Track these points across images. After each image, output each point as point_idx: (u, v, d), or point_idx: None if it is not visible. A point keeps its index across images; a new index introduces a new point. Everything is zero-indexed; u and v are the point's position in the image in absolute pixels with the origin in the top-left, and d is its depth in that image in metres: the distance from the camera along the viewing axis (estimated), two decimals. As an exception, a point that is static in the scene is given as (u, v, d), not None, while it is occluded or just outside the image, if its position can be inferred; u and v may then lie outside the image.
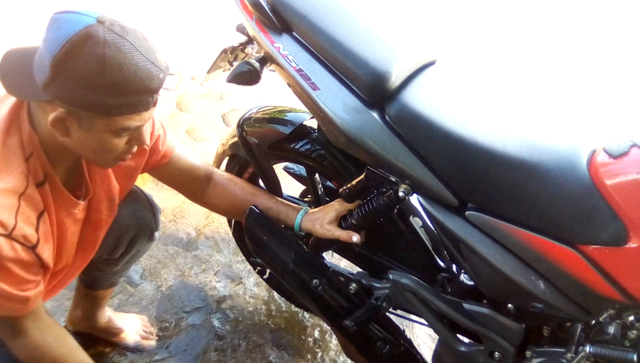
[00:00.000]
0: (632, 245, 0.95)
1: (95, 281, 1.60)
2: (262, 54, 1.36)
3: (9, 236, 0.95)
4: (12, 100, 1.03)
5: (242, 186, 1.47)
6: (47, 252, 1.06)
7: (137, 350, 1.74)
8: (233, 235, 1.95)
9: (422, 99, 1.16)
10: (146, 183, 2.41)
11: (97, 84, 0.91)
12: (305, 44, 1.26)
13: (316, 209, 1.38)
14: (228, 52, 1.50)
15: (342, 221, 1.33)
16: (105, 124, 0.97)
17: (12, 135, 1.00)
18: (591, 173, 0.99)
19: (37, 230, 1.02)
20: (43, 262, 1.05)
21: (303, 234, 1.39)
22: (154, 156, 1.31)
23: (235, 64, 1.47)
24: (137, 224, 1.46)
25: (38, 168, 1.03)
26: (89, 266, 1.53)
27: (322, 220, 1.33)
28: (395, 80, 1.17)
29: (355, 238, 1.28)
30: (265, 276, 1.97)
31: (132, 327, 1.76)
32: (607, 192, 0.96)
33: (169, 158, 1.36)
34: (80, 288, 1.64)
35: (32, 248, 1.01)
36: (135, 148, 1.10)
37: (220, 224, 2.34)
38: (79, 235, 1.22)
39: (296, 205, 1.45)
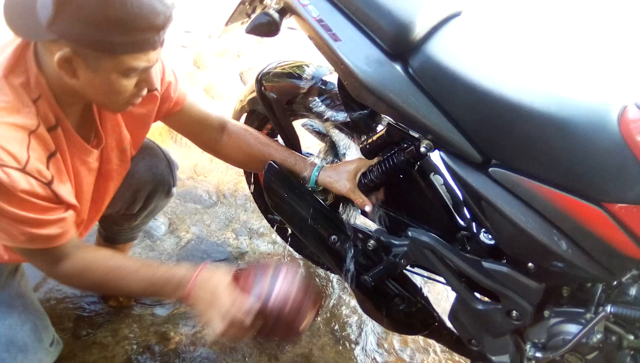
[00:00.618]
0: (661, 203, 0.92)
1: (114, 236, 1.62)
2: (281, 5, 1.32)
3: (23, 169, 0.94)
4: (17, 42, 1.01)
5: (257, 136, 1.43)
6: (64, 190, 1.05)
7: (157, 303, 1.76)
8: (251, 193, 1.95)
9: (446, 51, 1.12)
10: (165, 140, 2.42)
11: (101, 20, 0.89)
12: (327, -7, 1.22)
13: (334, 164, 1.37)
14: (246, 3, 1.46)
15: (361, 178, 1.31)
16: (112, 63, 0.95)
17: (18, 75, 0.98)
18: (622, 129, 0.95)
19: (47, 169, 1.01)
20: (62, 199, 1.04)
21: (319, 189, 1.38)
22: (166, 103, 1.29)
23: (254, 15, 1.44)
24: (154, 179, 1.47)
25: (48, 111, 1.02)
26: (108, 221, 1.56)
27: (339, 176, 1.31)
28: (419, 31, 1.12)
29: (368, 208, 1.27)
30: (283, 234, 1.98)
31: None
32: (638, 149, 0.93)
33: (181, 105, 1.32)
34: (100, 243, 1.66)
35: (48, 184, 1.00)
36: (144, 92, 1.08)
37: (239, 182, 2.34)
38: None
39: (311, 160, 1.42)
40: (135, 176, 1.37)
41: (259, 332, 1.11)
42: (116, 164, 1.26)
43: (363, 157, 1.32)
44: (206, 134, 1.40)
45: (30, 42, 1.00)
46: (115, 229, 1.59)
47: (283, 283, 1.10)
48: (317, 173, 1.35)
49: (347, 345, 1.75)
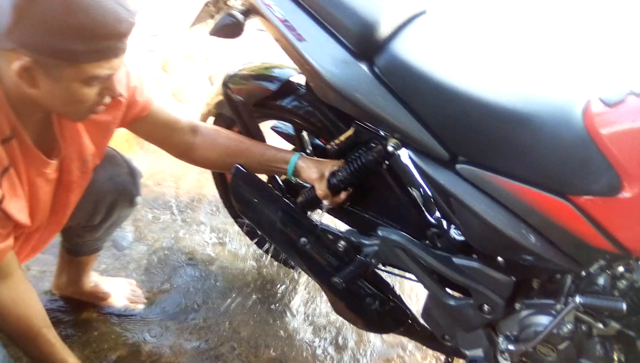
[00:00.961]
0: (625, 194, 0.93)
1: (77, 248, 1.57)
2: (245, 6, 1.31)
3: None
4: None
5: (230, 135, 1.41)
6: (15, 208, 1.01)
7: (125, 314, 1.72)
8: (220, 196, 1.93)
9: (412, 50, 1.12)
10: (131, 146, 2.36)
11: (62, 28, 0.85)
12: (290, -7, 1.21)
13: (311, 158, 1.36)
14: (210, 4, 1.44)
15: (330, 178, 1.31)
16: (73, 72, 0.92)
17: None
18: (586, 123, 0.97)
19: (0, 186, 0.97)
20: (11, 217, 1.01)
21: (294, 181, 1.38)
22: (131, 109, 1.25)
23: (218, 17, 1.42)
24: (115, 189, 1.42)
25: (3, 122, 0.98)
26: (69, 233, 1.50)
27: (315, 165, 1.32)
28: (384, 30, 1.13)
29: (326, 202, 1.30)
30: (253, 239, 1.96)
31: (119, 291, 1.74)
32: (602, 141, 0.94)
33: (148, 110, 1.29)
34: (63, 255, 1.61)
35: None
36: (107, 99, 1.05)
37: (207, 186, 2.31)
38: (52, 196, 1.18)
39: (289, 150, 1.42)
40: (96, 186, 1.32)
41: None
42: (77, 175, 1.22)
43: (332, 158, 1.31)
44: (177, 139, 1.36)
45: None
46: (78, 241, 1.53)
47: None
48: (296, 159, 1.33)
49: (323, 345, 1.74)
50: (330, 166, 1.30)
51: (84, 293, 1.67)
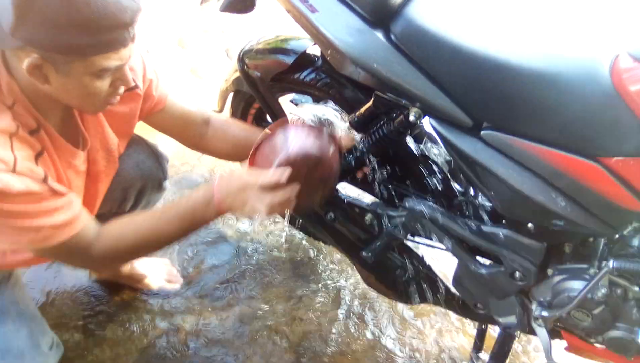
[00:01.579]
0: (658, 154, 0.89)
1: None
2: (255, -21, 1.28)
3: (14, 170, 0.91)
4: None
5: (241, 126, 1.42)
6: (59, 186, 1.01)
7: (162, 293, 1.77)
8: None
9: (428, 14, 1.08)
10: (153, 129, 2.38)
11: (65, 23, 0.84)
12: (300, -37, 1.17)
13: None
14: (220, -20, 1.41)
15: (353, 151, 1.29)
16: (82, 66, 0.91)
17: None
18: (614, 80, 0.92)
19: (37, 167, 0.97)
20: (61, 192, 1.00)
21: None
22: (148, 101, 1.26)
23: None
24: (142, 176, 1.44)
25: (27, 116, 0.99)
26: (102, 221, 1.52)
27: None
28: (399, -5, 1.08)
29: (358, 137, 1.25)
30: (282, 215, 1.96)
31: (155, 271, 1.78)
32: (632, 99, 0.89)
33: (163, 104, 1.30)
34: None
35: (43, 180, 0.96)
36: (121, 90, 1.05)
37: (234, 166, 2.32)
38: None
39: None
40: (123, 173, 1.34)
41: (299, 195, 1.09)
42: (103, 165, 1.23)
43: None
44: (191, 132, 1.38)
45: None
46: None
47: (294, 135, 1.08)
48: None
49: (356, 319, 1.76)
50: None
51: (121, 275, 1.72)
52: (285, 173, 1.04)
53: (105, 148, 1.22)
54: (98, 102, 1.02)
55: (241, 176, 1.08)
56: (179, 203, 1.13)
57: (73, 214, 1.03)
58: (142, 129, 1.37)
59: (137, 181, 1.43)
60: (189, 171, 2.28)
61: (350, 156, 1.29)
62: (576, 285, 1.14)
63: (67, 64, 0.90)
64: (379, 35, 1.10)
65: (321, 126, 1.17)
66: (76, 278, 1.76)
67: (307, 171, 1.08)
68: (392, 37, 1.10)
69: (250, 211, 1.06)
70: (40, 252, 1.04)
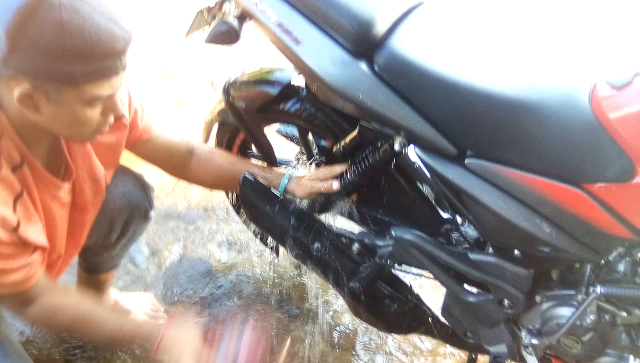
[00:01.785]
0: (639, 179, 0.90)
1: (95, 266, 1.57)
2: (239, 11, 1.29)
3: None
4: None
5: (225, 156, 1.44)
6: (32, 232, 1.01)
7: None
8: (231, 204, 1.92)
9: (410, 44, 1.10)
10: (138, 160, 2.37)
11: (58, 52, 0.84)
12: (284, -5, 1.19)
13: (300, 176, 1.37)
14: (204, 12, 1.42)
15: (339, 180, 1.29)
16: (74, 94, 0.91)
17: None
18: (593, 108, 0.93)
19: (15, 212, 0.96)
20: (29, 243, 1.00)
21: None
22: (133, 131, 1.26)
23: (214, 23, 1.40)
24: (129, 206, 1.42)
25: (12, 149, 0.97)
26: (87, 253, 1.51)
27: (303, 180, 1.32)
28: (381, 26, 1.10)
29: (335, 185, 1.26)
30: (268, 244, 1.94)
31: (139, 306, 1.74)
32: (611, 126, 0.91)
33: (148, 134, 1.31)
34: (81, 274, 1.61)
35: (14, 230, 0.96)
36: (111, 119, 1.04)
37: (219, 196, 2.31)
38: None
39: (280, 171, 1.43)
40: (110, 204, 1.32)
41: None
42: (90, 195, 1.22)
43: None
44: (175, 162, 1.39)
45: None
46: (95, 260, 1.54)
47: (248, 344, 1.14)
48: (285, 183, 1.35)
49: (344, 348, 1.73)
50: (319, 173, 1.32)
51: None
52: None
53: (92, 178, 1.21)
54: (88, 131, 1.01)
55: (184, 351, 1.12)
56: (127, 320, 1.21)
57: (27, 276, 1.03)
58: (127, 159, 1.36)
59: (124, 211, 1.41)
60: (173, 202, 2.26)
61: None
62: (564, 311, 1.14)
63: (58, 93, 0.90)
64: (363, 66, 1.11)
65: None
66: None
67: None
68: (376, 67, 1.11)
69: None
70: None
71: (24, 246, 1.00)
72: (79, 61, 0.86)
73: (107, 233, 1.43)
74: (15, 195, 0.97)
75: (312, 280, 1.89)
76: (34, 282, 1.05)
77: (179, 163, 1.39)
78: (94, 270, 1.58)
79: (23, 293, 1.05)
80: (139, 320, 1.16)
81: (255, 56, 3.21)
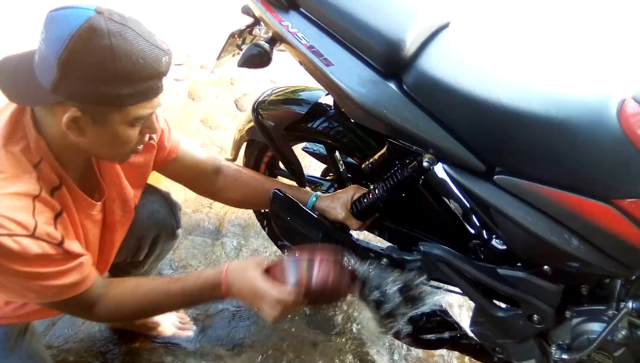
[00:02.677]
0: (670, 194, 0.92)
1: None
2: (270, 35, 1.34)
3: (32, 235, 0.94)
4: (10, 109, 1.01)
5: (252, 175, 1.47)
6: (75, 246, 1.04)
7: (174, 341, 1.75)
8: (258, 220, 1.95)
9: (439, 64, 1.13)
10: (162, 179, 2.42)
11: (108, 76, 0.89)
12: (314, 19, 1.23)
13: (331, 193, 1.41)
14: (236, 36, 1.48)
15: (364, 197, 1.32)
16: (120, 116, 0.96)
17: (16, 143, 0.98)
18: (622, 124, 0.95)
19: (56, 229, 1.00)
20: (74, 254, 1.04)
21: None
22: (160, 152, 1.30)
23: (245, 47, 1.45)
24: (156, 225, 1.46)
25: (51, 173, 1.02)
26: (116, 270, 1.55)
27: (335, 203, 1.36)
28: (410, 47, 1.13)
29: (356, 225, 1.34)
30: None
31: (168, 319, 1.77)
32: (640, 142, 0.93)
33: (175, 153, 1.34)
34: None
35: (59, 244, 1.00)
36: (147, 138, 1.09)
37: (245, 212, 2.34)
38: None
39: (307, 189, 1.46)
40: (137, 223, 1.36)
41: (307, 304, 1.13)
42: (119, 215, 1.26)
43: (356, 185, 1.38)
44: (202, 180, 1.42)
45: (25, 108, 1.00)
46: (124, 277, 1.58)
47: (320, 268, 1.10)
48: (314, 200, 1.38)
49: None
50: (348, 197, 1.36)
51: (134, 324, 1.72)
52: (301, 297, 1.09)
53: (121, 198, 1.25)
54: (127, 150, 1.06)
55: (256, 279, 1.09)
56: (187, 279, 1.15)
57: (82, 276, 1.06)
58: (153, 177, 1.40)
59: (151, 230, 1.45)
60: (200, 218, 2.30)
61: (365, 201, 1.31)
62: (595, 327, 1.14)
63: (104, 115, 0.95)
64: (392, 85, 1.14)
65: (344, 265, 1.23)
66: (89, 326, 1.76)
67: (322, 297, 1.13)
68: (405, 87, 1.14)
69: (258, 310, 1.10)
70: (45, 305, 1.07)
71: (70, 257, 1.03)
72: (126, 84, 0.91)
73: (135, 251, 1.47)
74: (56, 213, 1.02)
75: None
76: (91, 282, 1.07)
77: (206, 181, 1.42)
78: (122, 287, 1.62)
79: (84, 295, 1.07)
80: (196, 276, 1.14)
81: (277, 76, 3.28)
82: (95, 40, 0.87)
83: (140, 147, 1.10)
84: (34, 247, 0.94)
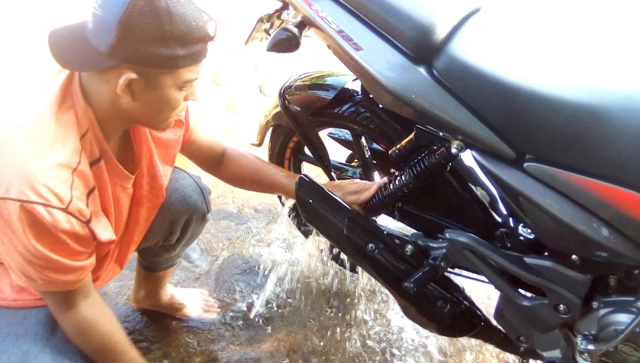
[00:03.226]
0: None
1: (154, 265, 1.65)
2: (299, 19, 1.33)
3: (66, 209, 0.96)
4: (59, 77, 1.03)
5: (253, 160, 1.50)
6: (100, 227, 1.07)
7: (200, 322, 1.79)
8: (281, 205, 1.96)
9: (470, 49, 1.11)
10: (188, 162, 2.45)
11: (165, 37, 0.93)
12: (344, 3, 1.22)
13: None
14: (264, 20, 1.47)
15: (390, 184, 1.32)
16: (171, 78, 1.00)
17: (66, 111, 1.01)
18: (657, 113, 0.93)
19: (87, 206, 1.03)
20: (95, 237, 1.06)
21: None
22: (186, 130, 1.34)
23: (273, 32, 1.45)
24: (188, 209, 1.49)
25: (94, 145, 1.05)
26: (148, 253, 1.58)
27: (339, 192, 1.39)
28: (440, 32, 1.12)
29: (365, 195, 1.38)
30: (319, 247, 1.98)
31: (193, 301, 1.81)
32: (677, 131, 0.91)
33: (194, 135, 1.40)
34: (140, 271, 1.69)
35: (86, 222, 1.02)
36: (185, 103, 1.13)
37: (269, 197, 2.36)
38: None
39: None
40: (170, 208, 1.40)
41: None
42: (146, 190, 1.28)
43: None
44: (211, 160, 1.49)
45: (74, 76, 1.03)
46: (155, 259, 1.61)
47: None
48: None
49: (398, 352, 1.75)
50: (355, 185, 1.41)
51: (161, 305, 1.75)
52: None
53: (150, 173, 1.27)
54: (172, 115, 1.10)
55: None
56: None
57: (80, 277, 1.08)
58: (182, 160, 1.44)
59: (184, 214, 1.47)
60: (224, 203, 2.32)
61: (391, 188, 1.31)
62: (623, 318, 1.13)
63: (157, 78, 0.99)
64: (422, 70, 1.14)
65: None
66: (117, 307, 1.80)
67: None
68: (435, 72, 1.13)
69: None
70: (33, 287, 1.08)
71: (92, 239, 1.06)
72: (181, 46, 0.96)
73: (168, 235, 1.50)
74: (89, 190, 1.04)
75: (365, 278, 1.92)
76: (82, 284, 1.10)
77: (214, 162, 1.49)
78: (153, 268, 1.65)
79: (68, 294, 1.09)
80: None
81: (301, 62, 3.28)
82: (153, 3, 0.92)
83: (182, 113, 1.16)
84: (64, 221, 0.97)
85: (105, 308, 1.19)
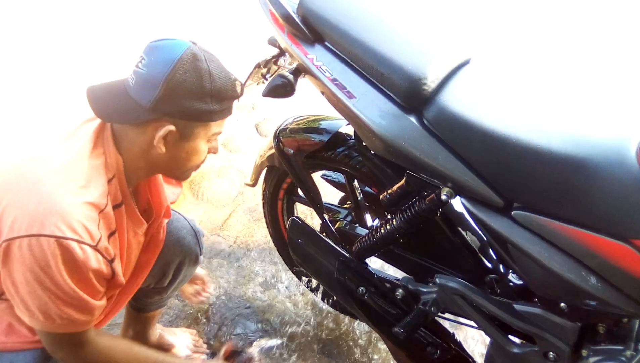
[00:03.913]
0: (689, 236, 0.92)
1: (144, 306, 1.64)
2: (295, 66, 1.38)
3: (95, 247, 1.00)
4: (91, 124, 1.10)
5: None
6: (118, 268, 1.11)
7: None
8: (275, 245, 1.97)
9: (460, 100, 1.15)
10: (186, 196, 2.46)
11: (205, 94, 1.03)
12: (338, 53, 1.26)
13: None
14: (261, 65, 1.52)
15: (381, 228, 1.33)
16: (204, 131, 1.09)
17: (97, 156, 1.07)
18: (641, 164, 0.96)
19: (109, 246, 1.06)
20: (115, 276, 1.10)
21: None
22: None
23: (269, 77, 1.49)
24: (182, 251, 1.50)
25: (117, 191, 1.10)
26: (139, 295, 1.57)
27: None
28: (431, 83, 1.16)
29: None
30: (310, 286, 1.98)
31: (182, 341, 1.79)
32: (659, 183, 0.93)
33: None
34: (130, 311, 1.67)
35: (111, 261, 1.06)
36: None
37: (261, 236, 2.37)
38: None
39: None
40: (164, 250, 1.40)
41: None
42: (155, 237, 1.32)
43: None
44: None
45: (106, 126, 1.10)
46: (146, 300, 1.61)
47: None
48: None
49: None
50: None
51: (149, 345, 1.73)
52: None
53: (158, 219, 1.31)
54: (196, 166, 1.17)
55: None
56: (169, 358, 1.31)
57: (92, 317, 1.10)
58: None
59: (177, 256, 1.48)
60: (217, 241, 2.33)
61: (382, 231, 1.33)
62: (612, 367, 1.13)
63: (192, 130, 1.07)
64: (412, 119, 1.17)
65: None
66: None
67: None
68: (425, 121, 1.16)
69: None
70: (41, 333, 1.08)
71: (112, 279, 1.09)
72: (217, 101, 1.07)
73: (160, 277, 1.51)
74: (110, 232, 1.08)
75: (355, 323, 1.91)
76: (91, 325, 1.12)
77: None
78: (142, 309, 1.64)
79: (79, 335, 1.10)
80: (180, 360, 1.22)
81: (296, 103, 3.34)
82: (196, 64, 1.03)
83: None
84: (93, 259, 1.00)
85: (110, 334, 1.24)
